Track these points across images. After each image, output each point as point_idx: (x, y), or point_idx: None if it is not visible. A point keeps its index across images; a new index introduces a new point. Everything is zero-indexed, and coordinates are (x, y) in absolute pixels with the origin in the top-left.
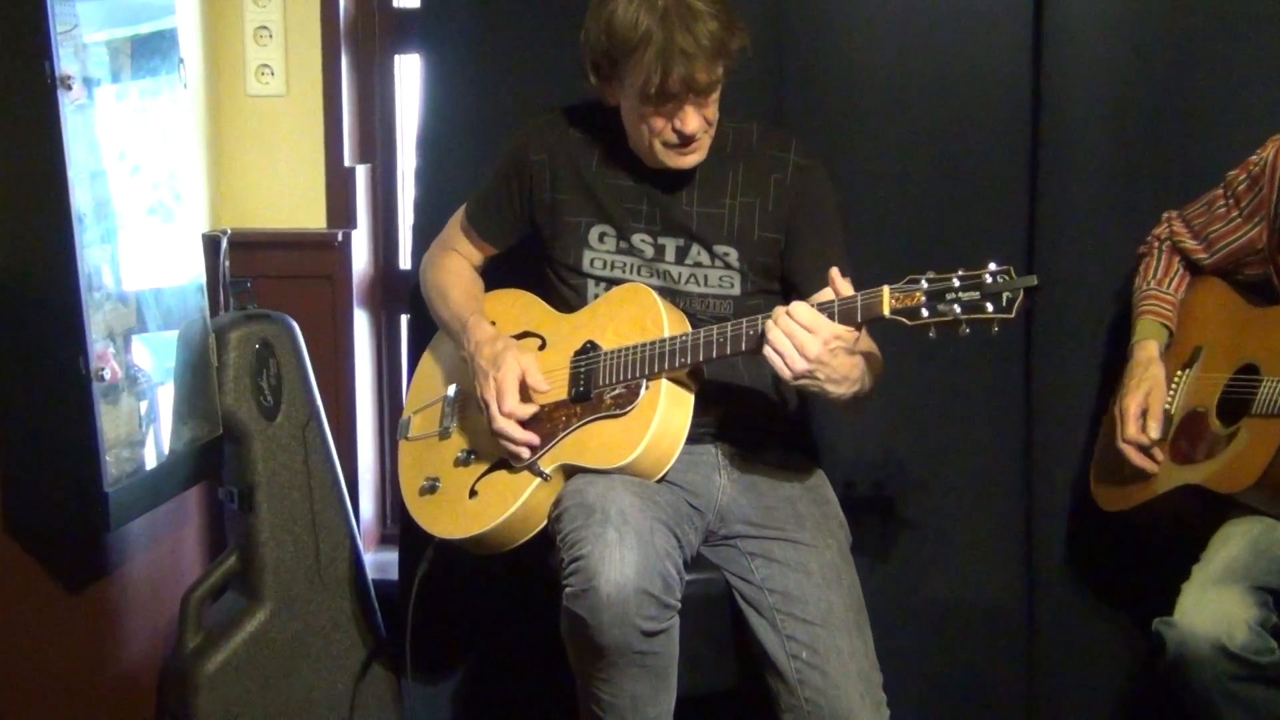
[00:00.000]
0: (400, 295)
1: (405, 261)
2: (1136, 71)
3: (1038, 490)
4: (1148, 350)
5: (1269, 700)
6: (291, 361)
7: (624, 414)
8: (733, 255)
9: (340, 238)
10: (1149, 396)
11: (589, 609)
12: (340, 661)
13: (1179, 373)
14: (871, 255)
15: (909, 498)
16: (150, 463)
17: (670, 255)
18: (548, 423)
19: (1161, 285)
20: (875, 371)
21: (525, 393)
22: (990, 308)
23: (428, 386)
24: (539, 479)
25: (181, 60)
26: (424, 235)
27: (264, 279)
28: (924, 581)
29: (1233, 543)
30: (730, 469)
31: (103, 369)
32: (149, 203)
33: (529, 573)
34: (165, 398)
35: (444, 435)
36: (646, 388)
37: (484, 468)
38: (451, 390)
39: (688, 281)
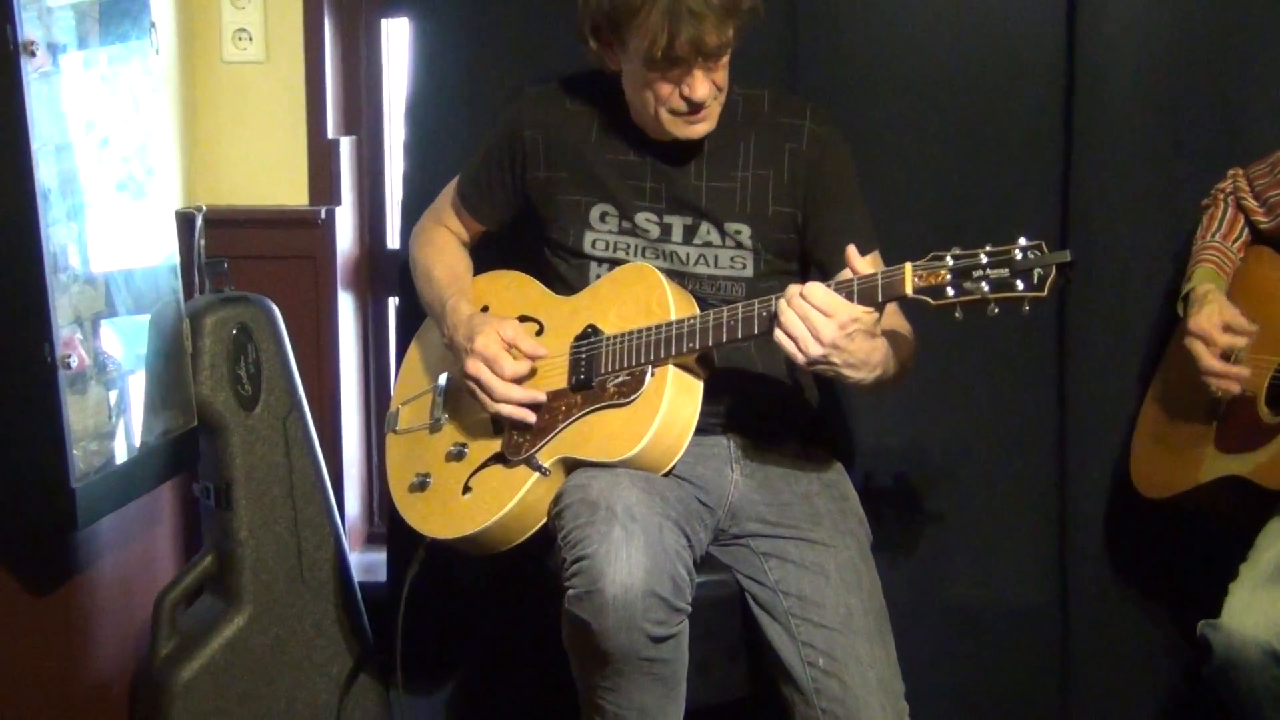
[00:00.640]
0: (388, 277)
1: (393, 240)
2: (1180, 29)
3: (1072, 483)
4: (1206, 285)
5: None
6: (271, 348)
7: (628, 403)
8: (745, 233)
9: (323, 215)
10: (1221, 312)
11: (593, 613)
12: (324, 670)
13: None
14: (893, 231)
15: (933, 492)
16: (120, 456)
17: (677, 235)
18: (546, 413)
19: (1226, 241)
20: (905, 354)
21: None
22: (1020, 286)
23: (417, 375)
24: (537, 473)
25: (153, 24)
26: (413, 212)
27: (242, 259)
28: (950, 583)
29: None
30: (742, 462)
31: (69, 356)
32: (118, 177)
33: (527, 574)
34: (136, 387)
35: (435, 428)
36: (652, 375)
37: (478, 462)
38: (443, 379)
39: (697, 263)
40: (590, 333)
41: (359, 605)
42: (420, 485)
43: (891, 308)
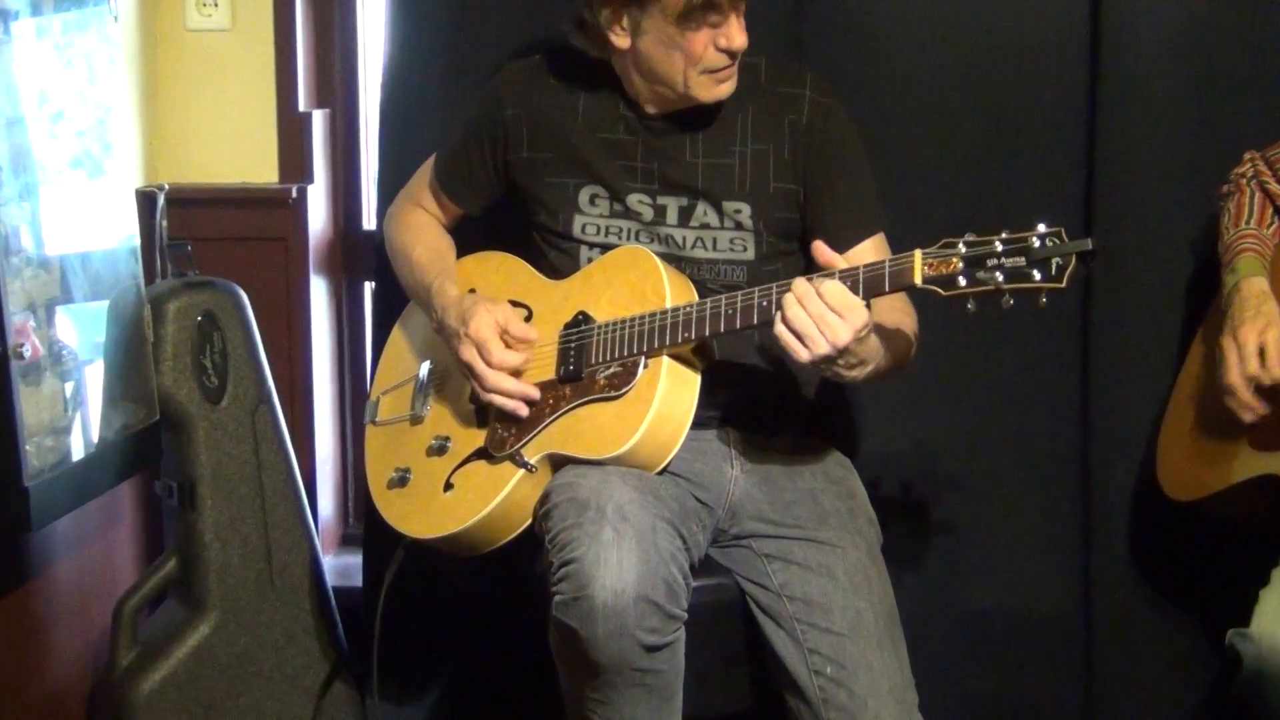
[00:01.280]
0: (363, 259)
1: (369, 221)
2: (1209, 1)
3: (1097, 484)
4: (1258, 284)
5: None
6: (239, 336)
7: (620, 396)
8: (745, 212)
9: (295, 194)
10: (1266, 331)
11: (582, 620)
12: (296, 680)
13: None
14: (901, 215)
15: (947, 492)
16: (77, 453)
17: (672, 217)
18: (532, 406)
19: (1260, 228)
20: (901, 348)
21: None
22: (1038, 276)
23: (397, 364)
24: (523, 470)
25: None
26: (390, 190)
27: (207, 241)
28: (965, 587)
29: None
30: (742, 459)
31: (22, 345)
32: (74, 154)
33: (512, 578)
34: (94, 378)
35: (416, 420)
36: (645, 366)
37: (461, 457)
38: (424, 369)
39: (694, 246)
40: (581, 320)
41: (333, 612)
42: (399, 481)
43: (898, 296)
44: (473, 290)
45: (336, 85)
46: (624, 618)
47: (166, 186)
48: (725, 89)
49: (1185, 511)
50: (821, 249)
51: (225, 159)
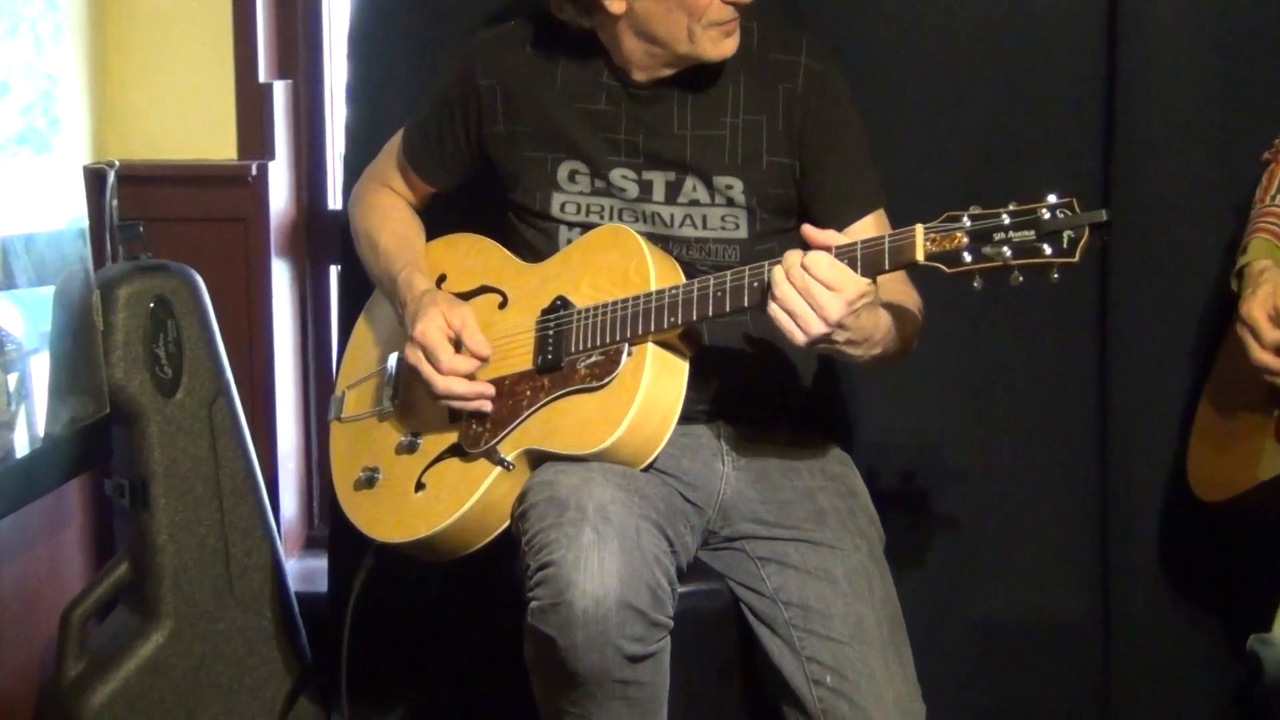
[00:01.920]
0: (329, 241)
1: (334, 200)
2: None
3: (1115, 481)
4: (1259, 266)
5: None
6: (195, 324)
7: (602, 387)
8: (737, 188)
9: (254, 171)
10: (1275, 296)
11: (560, 628)
12: (256, 694)
13: None
14: (903, 189)
15: (955, 490)
16: (21, 449)
17: (659, 193)
18: (509, 399)
19: None
20: (910, 331)
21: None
22: (1048, 250)
23: (364, 355)
24: (499, 468)
25: None
26: (357, 167)
27: (161, 222)
28: (976, 592)
29: None
30: (734, 454)
31: None
32: (18, 129)
33: (488, 583)
34: (39, 369)
35: (384, 415)
36: (629, 354)
37: (433, 455)
38: (393, 360)
39: (682, 224)
40: (559, 305)
41: (296, 619)
42: (367, 481)
43: (898, 275)
44: (443, 277)
45: (299, 54)
46: (605, 625)
47: (117, 163)
48: (731, 44)
49: (1209, 511)
50: (812, 233)
51: (180, 134)
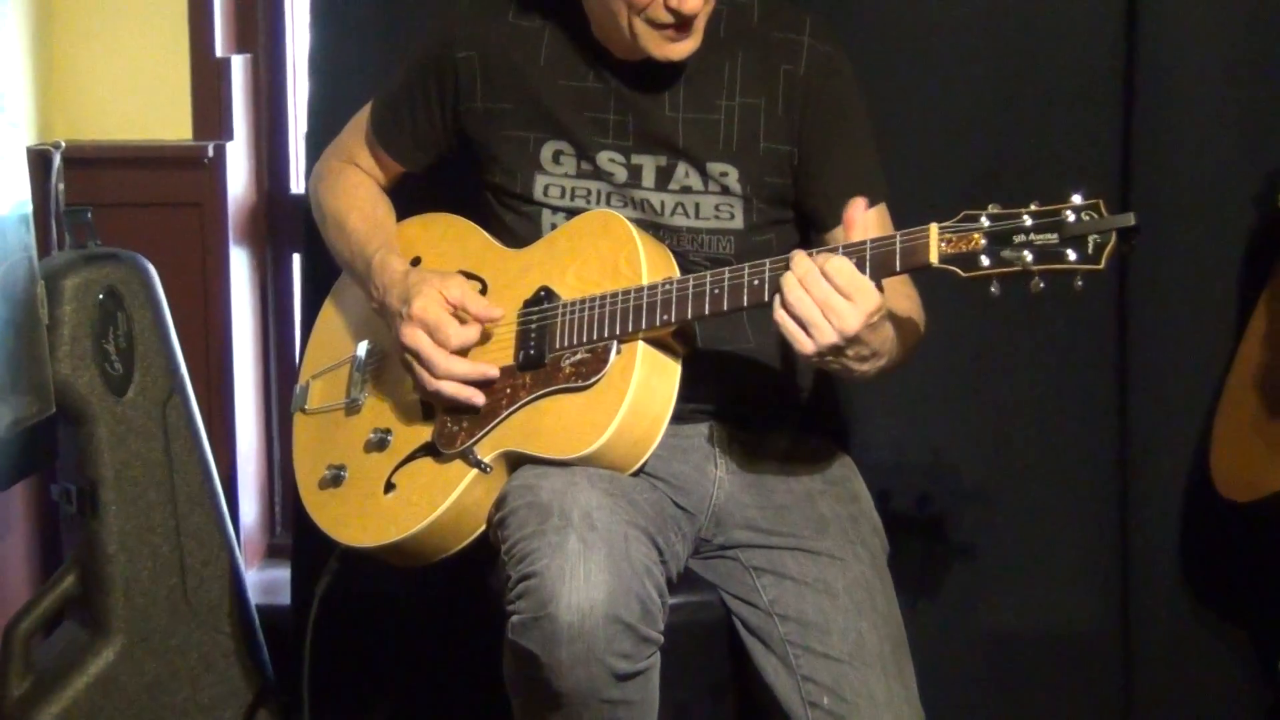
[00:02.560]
0: (291, 227)
1: (297, 183)
2: None
3: (1136, 488)
4: None
5: None
6: (147, 316)
7: (588, 387)
8: (732, 175)
9: (211, 152)
10: None
11: (543, 643)
12: (214, 713)
13: None
14: (912, 182)
15: (964, 497)
16: None
17: (649, 178)
18: (488, 396)
19: None
20: (912, 339)
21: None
22: (1072, 255)
23: (331, 344)
24: (476, 470)
25: None
26: (321, 146)
27: (110, 207)
28: (985, 606)
29: None
30: (729, 458)
31: None
32: None
33: (463, 594)
34: None
35: (352, 409)
36: (618, 352)
37: (404, 453)
38: (362, 348)
39: (674, 213)
40: (543, 297)
41: (257, 634)
42: (333, 480)
43: (902, 277)
44: (417, 260)
45: (259, 26)
46: (591, 641)
47: (63, 144)
48: (680, 49)
49: (1236, 518)
50: (854, 212)
51: (131, 112)
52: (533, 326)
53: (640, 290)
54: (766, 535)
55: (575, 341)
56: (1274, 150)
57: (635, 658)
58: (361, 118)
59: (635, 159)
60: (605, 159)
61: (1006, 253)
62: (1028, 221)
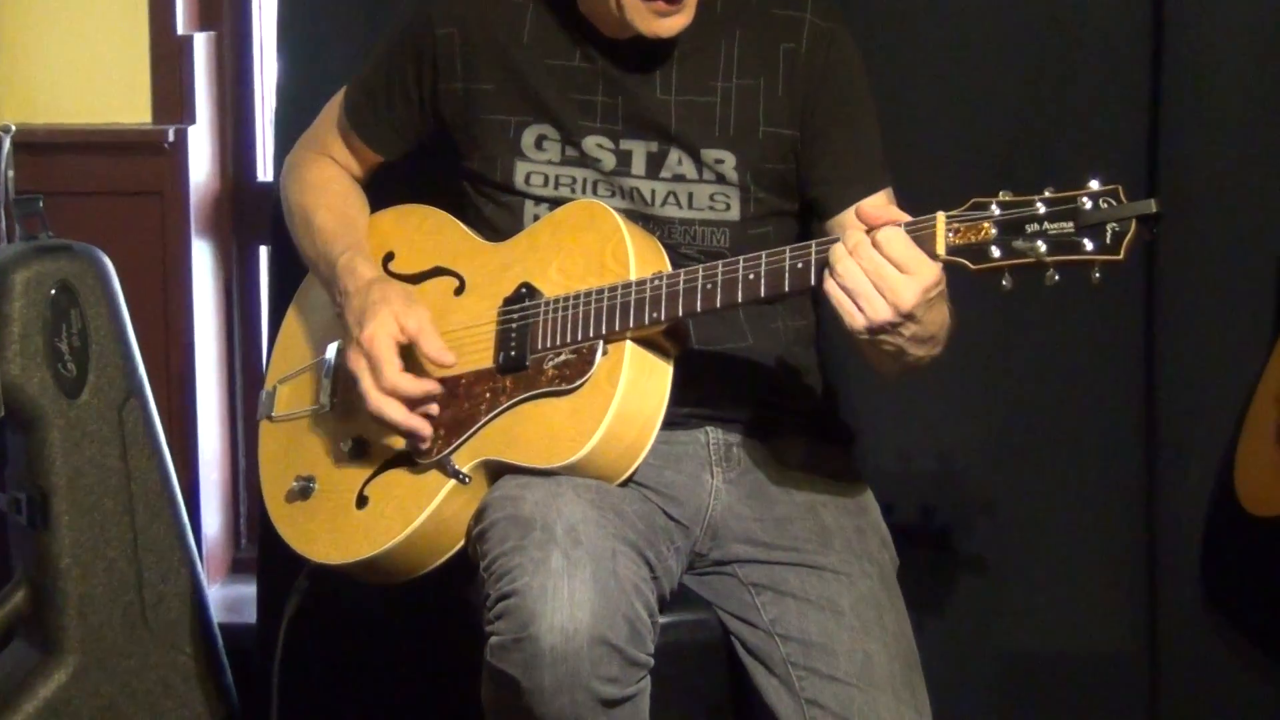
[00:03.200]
0: (257, 218)
1: (264, 171)
2: None
3: (1163, 500)
4: None
5: None
6: (103, 313)
7: (572, 390)
8: (729, 162)
9: (172, 137)
10: None
11: (524, 667)
12: None
13: None
14: (920, 168)
15: (978, 507)
16: None
17: (638, 165)
18: (465, 401)
19: None
20: (953, 325)
21: (419, 367)
22: (1089, 245)
23: (299, 346)
24: (453, 481)
25: None
26: (291, 132)
27: (64, 196)
28: (1003, 625)
29: None
30: (725, 465)
31: None
32: None
33: (439, 613)
34: None
35: (321, 415)
36: (604, 352)
37: (378, 463)
38: (332, 350)
39: (665, 202)
40: (524, 294)
41: (220, 655)
42: (301, 491)
43: None
44: (391, 255)
45: (224, 2)
46: (576, 664)
47: (13, 128)
48: (669, 25)
49: (1269, 532)
50: (871, 212)
51: (85, 94)
52: (513, 326)
53: (628, 286)
54: (766, 549)
55: (559, 342)
56: None
57: (623, 682)
58: (335, 104)
59: (624, 144)
60: (592, 144)
61: (1019, 243)
62: (1041, 209)
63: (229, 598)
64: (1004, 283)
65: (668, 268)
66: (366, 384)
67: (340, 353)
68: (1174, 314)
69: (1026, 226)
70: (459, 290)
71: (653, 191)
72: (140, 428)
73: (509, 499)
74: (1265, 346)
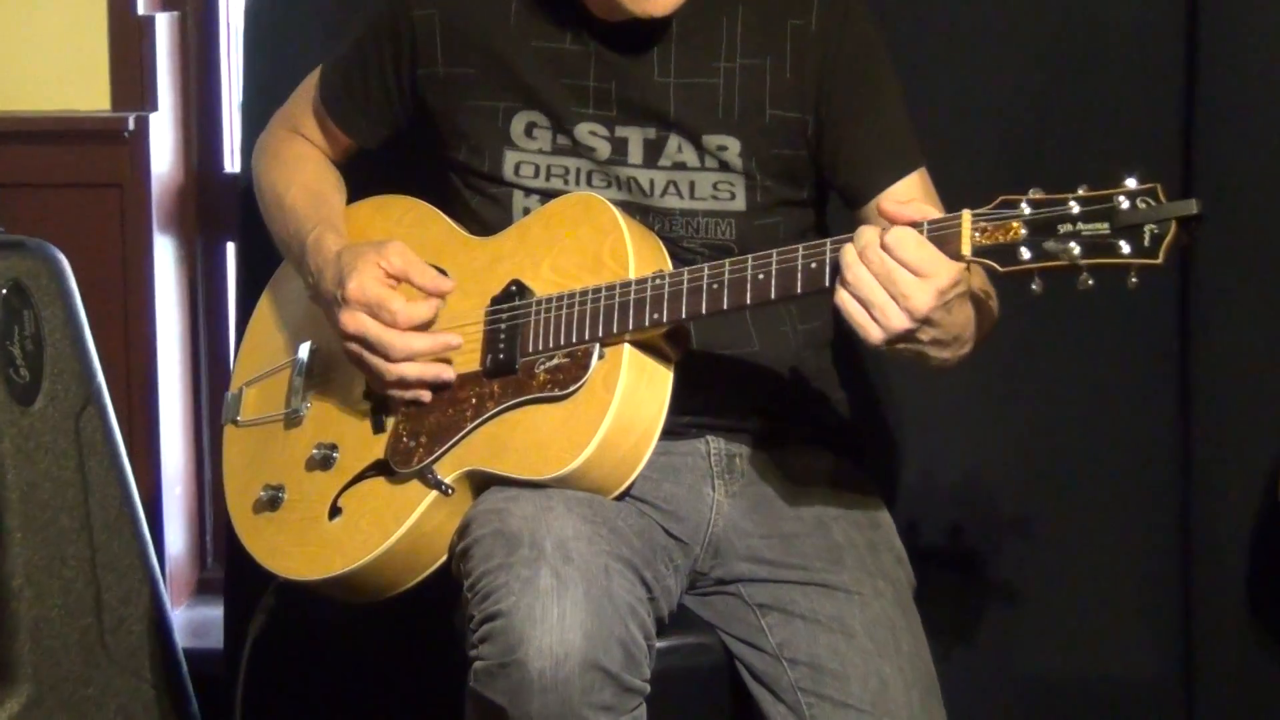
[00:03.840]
0: (225, 212)
1: (232, 161)
2: None
3: (1200, 516)
4: None
5: None
6: (58, 314)
7: (566, 397)
8: (732, 149)
9: (132, 125)
10: None
11: (510, 694)
12: None
13: None
14: (944, 162)
15: (1002, 525)
16: None
17: (635, 153)
18: (449, 407)
19: None
20: (987, 324)
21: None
22: (1126, 248)
23: (268, 345)
24: (435, 492)
25: None
26: (259, 121)
27: (15, 188)
28: (1027, 648)
29: None
30: (728, 478)
31: None
32: None
33: (419, 636)
34: None
35: (292, 420)
36: (601, 356)
37: (353, 472)
38: (304, 350)
39: (665, 193)
40: (514, 292)
41: (184, 681)
42: (270, 502)
43: None
44: None
45: None
46: (566, 691)
47: None
48: (661, 2)
49: None
50: (894, 210)
51: (39, 79)
52: (502, 326)
53: (627, 285)
54: (772, 567)
55: (551, 344)
56: None
57: (617, 710)
58: (311, 83)
59: (620, 131)
60: (585, 132)
61: (1050, 244)
62: (1075, 209)
63: (194, 621)
64: (1034, 286)
65: (669, 266)
66: (377, 333)
67: (314, 352)
68: (1210, 321)
69: (1059, 227)
70: None
71: (651, 181)
72: (99, 437)
73: (495, 513)
74: None
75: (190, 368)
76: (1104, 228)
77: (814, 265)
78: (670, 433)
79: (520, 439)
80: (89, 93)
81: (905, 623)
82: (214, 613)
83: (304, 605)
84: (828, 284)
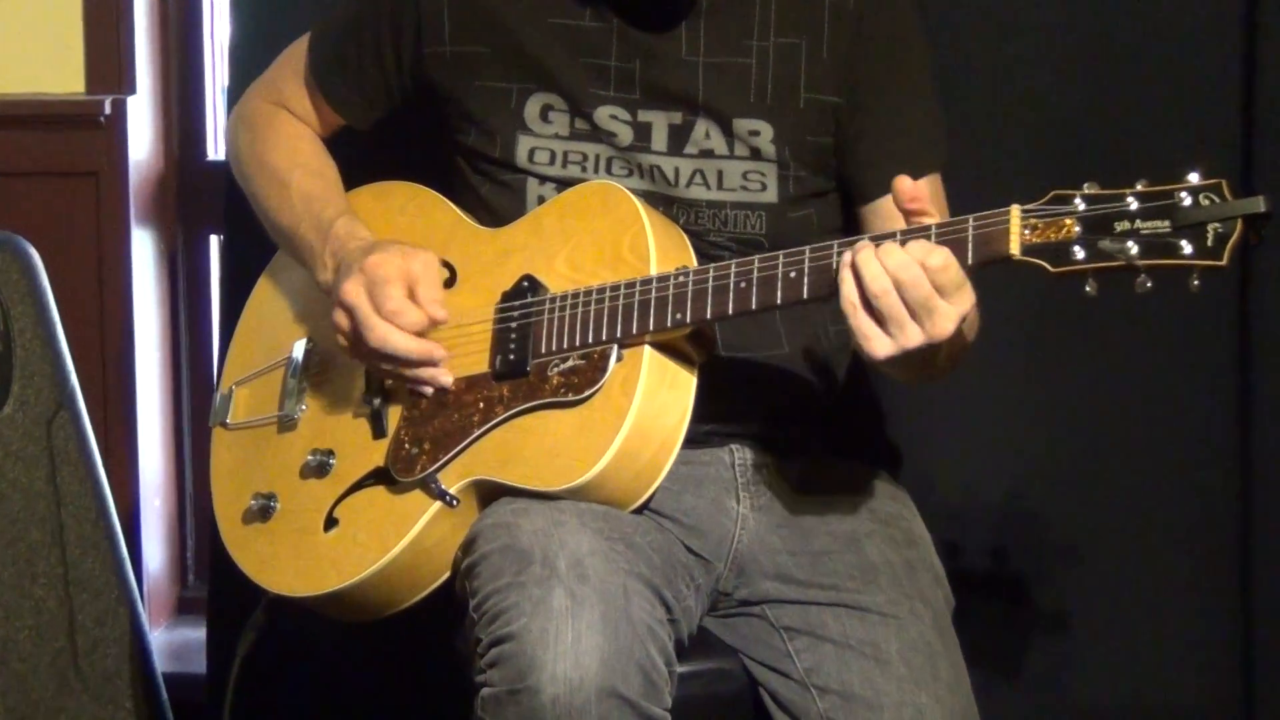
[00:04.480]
0: (208, 202)
1: (215, 148)
2: None
3: (1262, 539)
4: None
5: None
6: (29, 313)
7: (581, 401)
8: (765, 135)
9: (109, 109)
10: None
11: None
12: None
13: None
14: (988, 154)
15: (1048, 548)
16: None
17: (659, 140)
18: (455, 411)
19: None
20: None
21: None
22: (1188, 249)
23: (260, 342)
24: (439, 503)
25: None
26: None
27: None
28: (1077, 680)
29: None
30: (753, 490)
31: None
32: None
33: (421, 658)
34: None
35: (286, 424)
36: (619, 358)
37: (350, 480)
38: (299, 349)
39: (691, 182)
40: (526, 288)
41: (164, 710)
42: (261, 512)
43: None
44: None
45: None
46: (581, 719)
47: None
48: None
49: None
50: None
51: (9, 60)
52: (513, 325)
53: (648, 282)
54: (801, 587)
55: (565, 345)
56: None
57: None
58: (298, 51)
59: (643, 115)
60: (605, 116)
61: (1106, 243)
62: (1133, 205)
63: (175, 643)
64: (1088, 289)
65: (693, 262)
66: (365, 309)
67: (310, 350)
68: (1274, 331)
69: (1115, 224)
70: (449, 282)
71: (676, 170)
72: (72, 445)
73: (503, 527)
74: None
75: (171, 370)
76: (1164, 226)
77: None
78: (692, 441)
79: (531, 447)
80: (61, 74)
81: (944, 648)
82: (196, 634)
83: (296, 623)
84: None
